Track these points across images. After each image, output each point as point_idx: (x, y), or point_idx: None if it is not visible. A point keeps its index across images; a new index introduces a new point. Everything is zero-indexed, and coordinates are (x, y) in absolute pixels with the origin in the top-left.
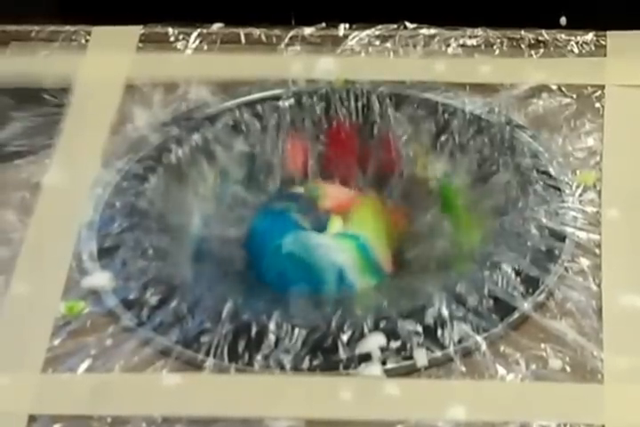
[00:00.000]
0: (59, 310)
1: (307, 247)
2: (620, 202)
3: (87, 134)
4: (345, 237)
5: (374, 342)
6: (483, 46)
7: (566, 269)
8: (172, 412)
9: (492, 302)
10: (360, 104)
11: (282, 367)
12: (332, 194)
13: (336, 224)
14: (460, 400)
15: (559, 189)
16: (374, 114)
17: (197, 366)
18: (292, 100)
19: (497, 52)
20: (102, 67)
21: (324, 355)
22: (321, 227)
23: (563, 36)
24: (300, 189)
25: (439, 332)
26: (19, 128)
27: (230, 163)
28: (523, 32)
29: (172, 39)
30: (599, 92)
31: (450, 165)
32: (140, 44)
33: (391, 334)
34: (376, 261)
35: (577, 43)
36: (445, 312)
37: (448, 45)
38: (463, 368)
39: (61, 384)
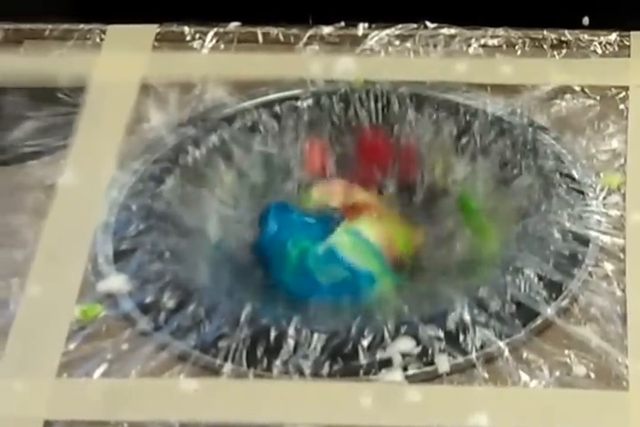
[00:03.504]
0: (74, 313)
1: (316, 253)
2: None
3: (102, 135)
4: (345, 233)
5: (402, 345)
6: (504, 46)
7: (590, 273)
8: (189, 417)
9: (514, 307)
10: (380, 105)
11: (301, 373)
12: (340, 193)
13: (343, 225)
14: (483, 407)
15: (583, 193)
16: (394, 115)
17: (215, 372)
18: (310, 101)
19: (519, 52)
20: (117, 66)
21: (344, 360)
22: (328, 228)
23: (586, 36)
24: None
25: (461, 337)
26: (33, 128)
27: (248, 164)
28: (545, 32)
29: (188, 38)
30: (623, 94)
31: (471, 167)
32: (156, 43)
33: (412, 340)
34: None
35: (600, 43)
36: (467, 317)
37: (469, 45)
38: (485, 375)
39: (77, 389)
